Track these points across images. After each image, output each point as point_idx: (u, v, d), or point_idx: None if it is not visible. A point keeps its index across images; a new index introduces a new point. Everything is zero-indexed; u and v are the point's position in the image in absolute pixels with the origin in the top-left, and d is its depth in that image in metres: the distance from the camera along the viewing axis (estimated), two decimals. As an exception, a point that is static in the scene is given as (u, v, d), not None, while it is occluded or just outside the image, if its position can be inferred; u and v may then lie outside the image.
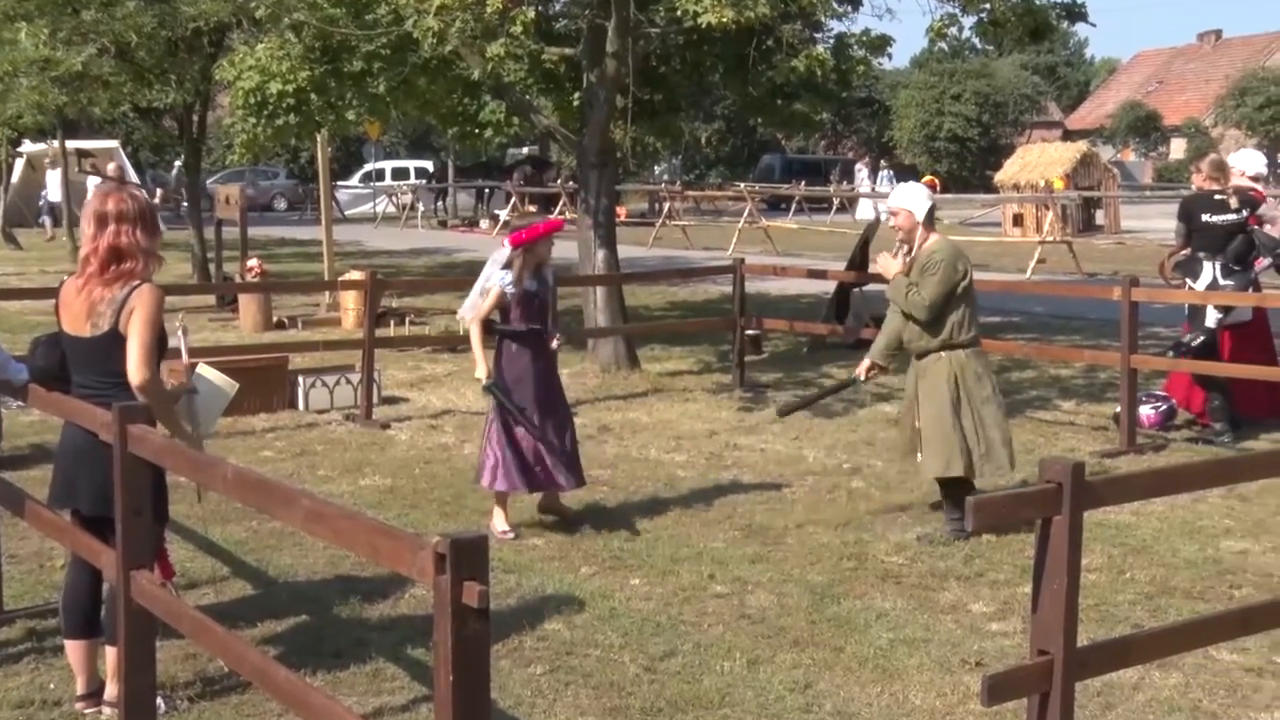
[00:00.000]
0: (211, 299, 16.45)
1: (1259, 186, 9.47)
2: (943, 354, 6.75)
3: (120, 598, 4.20)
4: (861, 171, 44.39)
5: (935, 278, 6.65)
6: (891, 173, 43.73)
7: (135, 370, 4.46)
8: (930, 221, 6.81)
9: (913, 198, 6.80)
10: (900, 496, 7.62)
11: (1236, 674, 5.03)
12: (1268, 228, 9.22)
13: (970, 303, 6.81)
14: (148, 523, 4.23)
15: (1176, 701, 4.79)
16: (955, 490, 6.64)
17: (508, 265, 6.80)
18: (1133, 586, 6.05)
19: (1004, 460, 6.80)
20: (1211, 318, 9.23)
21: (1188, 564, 6.38)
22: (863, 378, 7.15)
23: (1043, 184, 28.76)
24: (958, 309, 6.73)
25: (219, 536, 6.76)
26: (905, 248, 6.85)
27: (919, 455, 6.82)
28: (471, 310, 6.91)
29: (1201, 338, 9.21)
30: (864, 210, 38.11)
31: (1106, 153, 44.61)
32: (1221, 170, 9.42)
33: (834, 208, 37.74)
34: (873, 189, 38.91)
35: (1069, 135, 54.17)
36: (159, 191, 17.72)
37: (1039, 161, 31.35)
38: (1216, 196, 9.22)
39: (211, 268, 18.26)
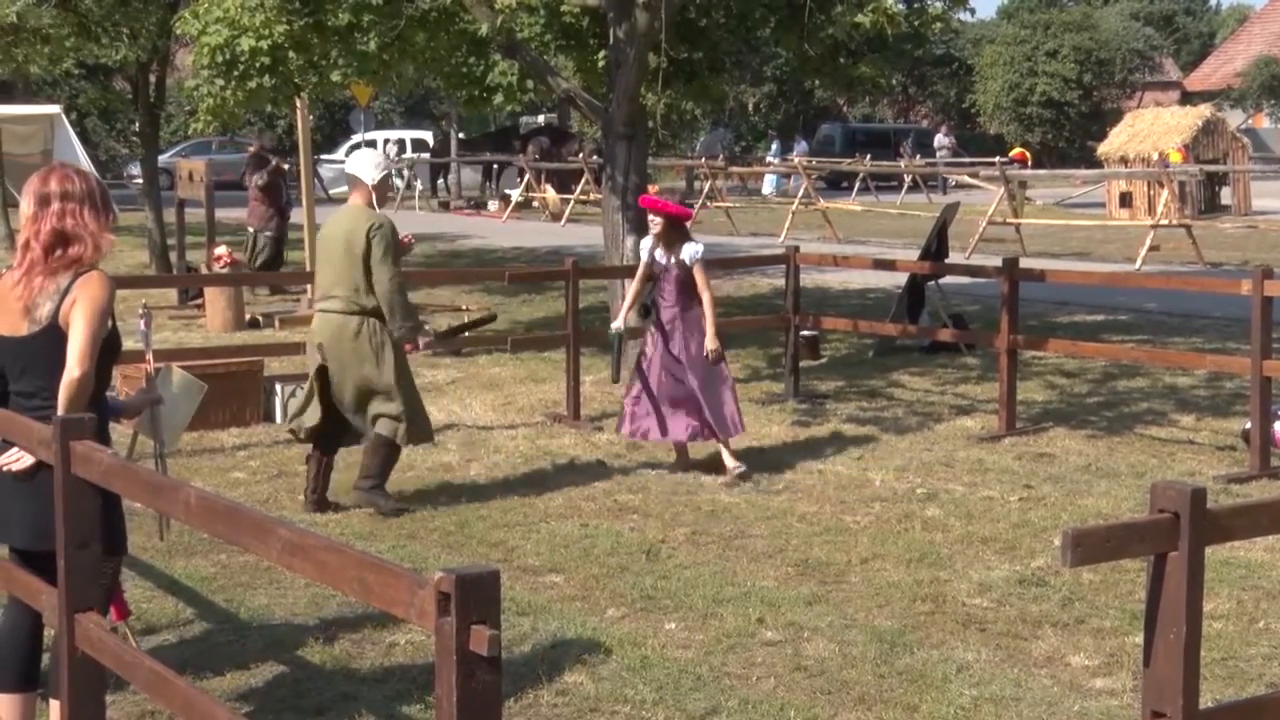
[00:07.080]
0: (173, 293, 16.58)
1: None
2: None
3: (63, 645, 4.22)
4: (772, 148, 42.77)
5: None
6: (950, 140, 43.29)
7: (78, 360, 4.45)
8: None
9: None
10: (984, 527, 7.60)
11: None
12: None
13: None
14: (94, 557, 4.25)
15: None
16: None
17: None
18: (1267, 638, 6.01)
19: None
20: None
21: (1331, 610, 6.34)
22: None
23: (1156, 157, 28.60)
24: None
25: (182, 572, 6.81)
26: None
27: (397, 423, 8.09)
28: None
29: None
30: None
31: (1235, 118, 44.35)
32: None
33: (905, 186, 37.67)
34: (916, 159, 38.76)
35: (1189, 98, 53.76)
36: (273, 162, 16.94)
37: (1152, 130, 31.18)
38: None
39: (172, 256, 18.38)
